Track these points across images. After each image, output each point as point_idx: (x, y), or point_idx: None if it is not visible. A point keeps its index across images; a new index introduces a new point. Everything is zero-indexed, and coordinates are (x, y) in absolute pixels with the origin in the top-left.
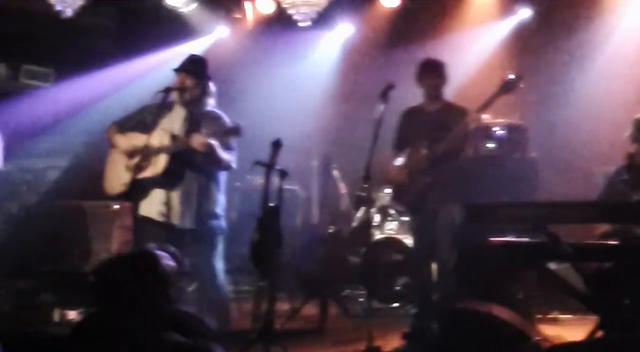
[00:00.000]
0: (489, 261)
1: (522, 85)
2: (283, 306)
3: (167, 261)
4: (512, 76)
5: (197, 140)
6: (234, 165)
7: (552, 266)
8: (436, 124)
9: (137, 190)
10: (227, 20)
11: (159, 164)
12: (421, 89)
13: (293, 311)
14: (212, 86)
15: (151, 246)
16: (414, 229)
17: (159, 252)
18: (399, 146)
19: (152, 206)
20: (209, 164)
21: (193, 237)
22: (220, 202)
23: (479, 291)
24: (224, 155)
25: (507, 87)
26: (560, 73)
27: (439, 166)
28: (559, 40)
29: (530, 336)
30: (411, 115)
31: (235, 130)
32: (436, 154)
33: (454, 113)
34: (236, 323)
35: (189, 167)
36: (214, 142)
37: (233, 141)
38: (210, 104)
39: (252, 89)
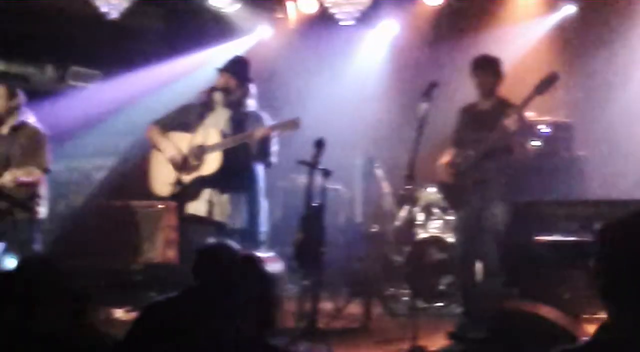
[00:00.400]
0: (536, 260)
1: (557, 85)
2: (327, 305)
3: (270, 265)
4: (547, 76)
5: (260, 133)
6: (275, 160)
7: None
8: (487, 122)
9: (187, 189)
10: (270, 20)
11: (212, 162)
12: (475, 86)
13: (337, 310)
14: (253, 88)
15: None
16: (456, 227)
17: (261, 256)
18: (457, 144)
19: (202, 204)
20: (260, 157)
21: (243, 237)
22: (262, 204)
23: (525, 290)
24: (274, 149)
25: (542, 87)
26: (606, 69)
27: (483, 165)
28: (604, 36)
29: (577, 336)
30: (466, 113)
31: (294, 123)
32: (480, 154)
33: (507, 110)
34: (280, 322)
35: (238, 166)
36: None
37: (275, 141)
38: (252, 105)
39: (295, 88)
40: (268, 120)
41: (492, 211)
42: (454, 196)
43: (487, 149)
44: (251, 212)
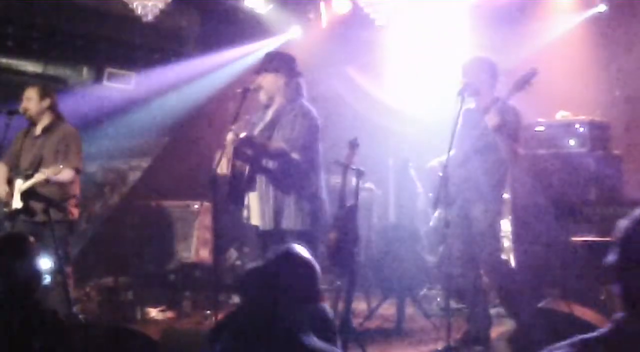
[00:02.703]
0: (572, 260)
1: (593, 84)
2: (360, 305)
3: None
4: (527, 72)
5: (229, 136)
6: (291, 153)
7: None
8: (475, 120)
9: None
10: (302, 21)
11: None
12: None
13: (370, 311)
14: (293, 80)
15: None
16: (445, 227)
17: (302, 249)
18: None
19: (245, 209)
20: (266, 157)
21: (274, 239)
22: (305, 204)
23: (562, 291)
24: (273, 145)
25: (521, 83)
26: None
27: (467, 165)
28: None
29: None
30: (464, 114)
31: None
32: (463, 152)
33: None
34: None
35: (255, 164)
36: (243, 134)
37: (302, 139)
38: (296, 97)
39: (327, 89)
40: (304, 113)
41: (475, 211)
42: (444, 195)
43: (469, 147)
44: (282, 212)
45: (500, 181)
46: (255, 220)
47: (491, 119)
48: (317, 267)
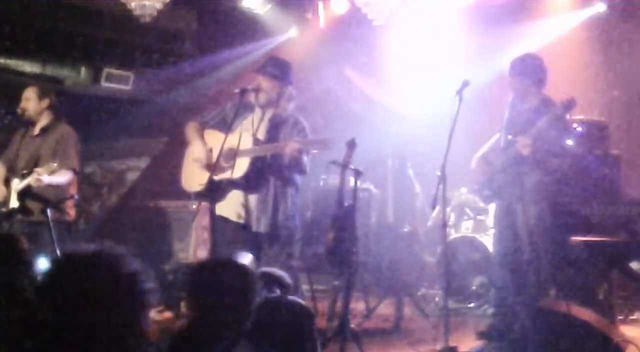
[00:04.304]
0: (571, 260)
1: (592, 84)
2: (358, 305)
3: (248, 262)
4: (566, 101)
5: (290, 148)
6: (307, 168)
7: (635, 265)
8: (525, 123)
9: (216, 189)
10: (299, 21)
11: (241, 167)
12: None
13: (369, 310)
14: (291, 90)
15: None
16: (494, 222)
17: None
18: (500, 131)
19: (230, 206)
20: (291, 168)
21: (269, 241)
22: (296, 204)
23: (560, 290)
24: (306, 161)
25: (562, 114)
26: None
27: (514, 163)
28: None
29: (611, 337)
30: (513, 106)
31: (325, 142)
32: (508, 159)
33: (547, 111)
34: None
35: (269, 171)
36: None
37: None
38: (290, 108)
39: (325, 88)
40: (305, 128)
41: (522, 210)
42: (485, 190)
43: (511, 157)
44: (278, 216)
45: (543, 181)
46: (249, 221)
47: (524, 148)
48: (254, 280)
